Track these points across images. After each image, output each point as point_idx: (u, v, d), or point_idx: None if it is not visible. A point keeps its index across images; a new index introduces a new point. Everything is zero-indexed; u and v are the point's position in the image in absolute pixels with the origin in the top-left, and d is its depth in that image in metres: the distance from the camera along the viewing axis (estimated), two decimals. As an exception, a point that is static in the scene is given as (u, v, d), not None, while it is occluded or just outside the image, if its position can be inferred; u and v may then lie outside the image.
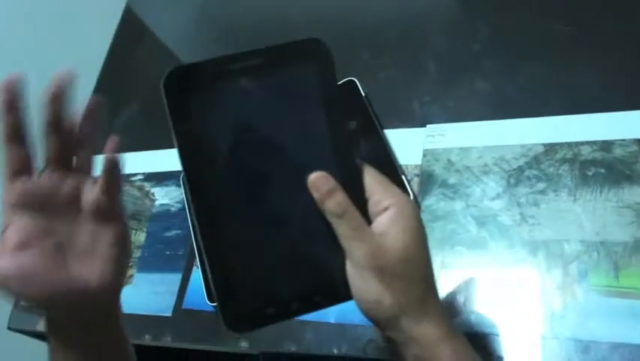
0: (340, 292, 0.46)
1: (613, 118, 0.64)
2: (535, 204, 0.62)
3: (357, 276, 0.45)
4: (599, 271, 0.57)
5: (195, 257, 0.74)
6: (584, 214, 0.60)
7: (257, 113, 0.46)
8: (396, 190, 0.47)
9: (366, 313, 0.46)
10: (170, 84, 0.43)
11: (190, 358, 0.76)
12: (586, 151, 0.63)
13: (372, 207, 0.46)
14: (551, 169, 0.64)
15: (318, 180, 0.45)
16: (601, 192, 0.61)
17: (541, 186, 0.63)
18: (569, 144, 0.64)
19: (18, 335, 0.83)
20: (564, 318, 0.56)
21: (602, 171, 0.62)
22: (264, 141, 0.46)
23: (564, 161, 0.64)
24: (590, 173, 0.62)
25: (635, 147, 0.61)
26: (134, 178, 0.87)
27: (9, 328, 0.83)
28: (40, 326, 0.80)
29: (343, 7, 0.91)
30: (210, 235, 0.44)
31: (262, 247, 0.46)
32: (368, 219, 0.46)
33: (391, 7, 0.87)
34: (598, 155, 0.63)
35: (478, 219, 0.64)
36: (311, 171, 0.45)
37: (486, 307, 0.59)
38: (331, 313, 0.65)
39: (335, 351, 0.63)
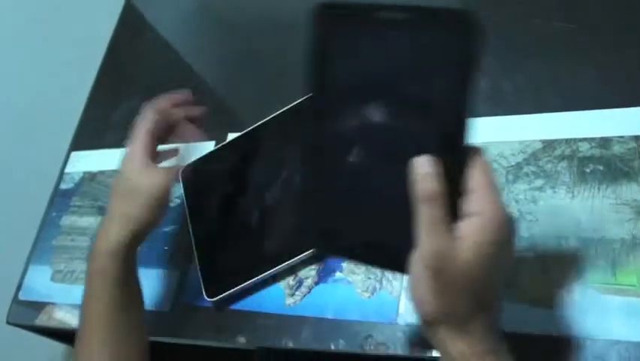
0: (401, 265, 0.45)
1: (611, 115, 0.64)
2: (533, 200, 0.62)
3: (415, 265, 0.44)
4: (596, 268, 0.57)
5: (193, 253, 0.75)
6: (582, 211, 0.60)
7: (388, 65, 0.45)
8: (493, 198, 0.43)
9: (411, 303, 0.46)
10: (319, 14, 0.47)
11: (182, 354, 0.76)
12: (584, 148, 0.63)
13: (465, 203, 0.44)
14: (549, 166, 0.63)
15: (420, 162, 0.43)
16: (599, 189, 0.60)
17: (539, 182, 0.63)
18: (568, 141, 0.64)
19: (17, 329, 0.84)
20: (561, 315, 0.56)
21: (600, 167, 0.61)
22: (388, 96, 0.46)
23: (562, 157, 0.63)
24: (588, 170, 0.62)
25: (633, 144, 0.61)
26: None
27: (8, 322, 0.83)
28: (39, 321, 0.80)
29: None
30: (315, 156, 0.50)
31: (351, 192, 0.49)
32: (457, 214, 0.44)
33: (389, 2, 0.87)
34: (596, 152, 0.62)
35: (476, 216, 0.64)
36: (420, 142, 0.44)
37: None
38: (329, 309, 0.65)
39: (332, 347, 0.63)
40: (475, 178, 0.43)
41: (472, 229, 0.43)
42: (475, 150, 0.44)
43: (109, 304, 0.62)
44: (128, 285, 0.64)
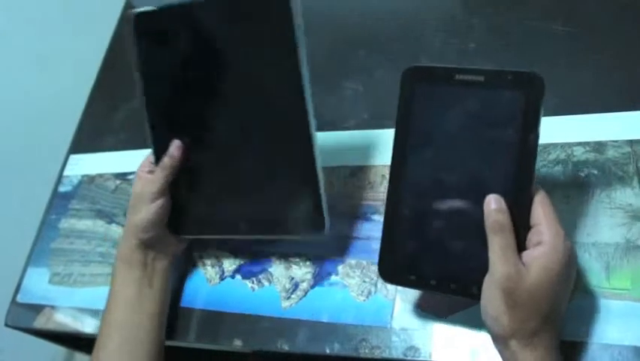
0: (473, 292, 0.53)
1: (606, 119, 0.64)
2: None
3: (488, 288, 0.51)
4: (590, 272, 0.57)
5: (194, 255, 0.75)
6: (576, 215, 0.60)
7: (464, 118, 0.54)
8: (556, 229, 0.50)
9: (484, 321, 0.52)
10: (407, 75, 0.57)
11: (178, 357, 0.77)
12: (579, 152, 0.63)
13: (532, 235, 0.51)
14: (544, 170, 0.64)
15: (491, 199, 0.52)
16: (593, 193, 0.61)
17: (534, 186, 0.63)
18: (562, 145, 0.64)
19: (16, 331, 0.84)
20: (564, 317, 0.56)
21: (595, 172, 0.62)
22: (463, 144, 0.54)
23: (557, 162, 0.64)
24: (582, 174, 0.62)
25: (627, 149, 0.61)
26: (131, 176, 0.87)
27: (6, 325, 0.83)
28: (37, 323, 0.81)
29: (340, 5, 0.91)
30: (397, 196, 0.57)
31: (428, 228, 0.56)
32: (524, 244, 0.51)
33: (388, 5, 0.87)
34: (591, 156, 0.63)
35: (471, 220, 0.64)
36: (491, 184, 0.52)
37: (478, 306, 0.59)
38: (324, 313, 0.65)
39: (327, 350, 0.63)
40: (539, 213, 0.51)
41: (539, 255, 0.50)
42: (538, 189, 0.52)
43: (121, 308, 0.68)
44: (141, 290, 0.68)
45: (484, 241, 0.51)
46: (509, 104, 0.52)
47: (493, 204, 0.52)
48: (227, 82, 0.65)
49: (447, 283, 0.55)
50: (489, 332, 0.52)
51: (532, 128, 0.51)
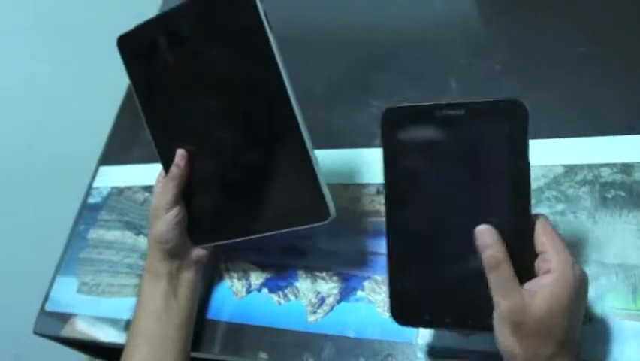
0: (489, 325, 0.51)
1: (634, 140, 0.64)
2: (554, 225, 0.62)
3: (496, 322, 0.51)
4: (616, 294, 0.57)
5: (221, 267, 0.76)
6: (603, 237, 0.60)
7: (450, 154, 0.53)
8: (565, 256, 0.50)
9: (500, 351, 0.51)
10: (387, 118, 0.55)
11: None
12: (606, 173, 0.64)
13: (539, 262, 0.51)
14: (571, 190, 0.64)
15: (482, 232, 0.51)
16: (620, 215, 0.61)
17: (560, 207, 0.63)
18: (590, 166, 0.65)
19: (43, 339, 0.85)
20: (580, 340, 0.56)
21: (622, 193, 0.62)
22: (451, 180, 0.54)
23: (584, 182, 0.64)
24: (609, 195, 0.62)
25: (655, 171, 0.62)
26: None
27: (34, 332, 0.85)
28: (64, 332, 0.82)
29: (362, 26, 0.92)
30: (398, 239, 0.56)
31: (436, 266, 0.55)
32: (532, 272, 0.51)
33: (412, 26, 0.88)
34: (618, 177, 0.63)
35: (497, 239, 0.64)
36: (488, 215, 0.52)
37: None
38: (350, 328, 0.66)
39: (353, 365, 0.64)
40: (542, 240, 0.51)
41: (548, 283, 0.49)
42: (538, 216, 0.52)
43: (148, 319, 0.69)
44: (167, 301, 0.69)
45: None
46: (494, 134, 0.51)
47: (487, 239, 0.51)
48: (213, 87, 0.67)
49: (463, 320, 0.54)
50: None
51: (520, 156, 0.51)
